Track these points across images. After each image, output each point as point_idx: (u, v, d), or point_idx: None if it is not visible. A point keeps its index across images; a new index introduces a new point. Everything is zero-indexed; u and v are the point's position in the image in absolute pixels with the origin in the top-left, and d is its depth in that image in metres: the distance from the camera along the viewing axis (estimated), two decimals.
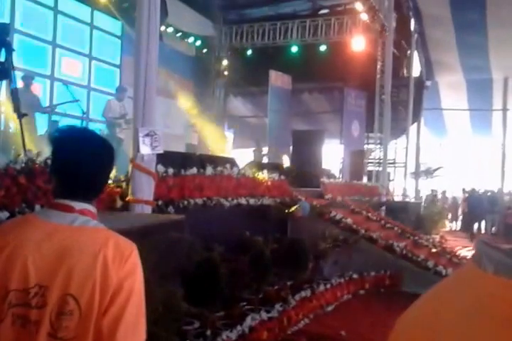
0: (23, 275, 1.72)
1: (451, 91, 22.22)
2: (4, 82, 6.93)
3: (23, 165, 4.67)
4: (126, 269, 1.77)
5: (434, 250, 10.42)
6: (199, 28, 18.96)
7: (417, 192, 21.93)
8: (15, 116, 6.96)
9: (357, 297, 9.01)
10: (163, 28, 15.73)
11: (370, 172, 19.02)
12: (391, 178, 20.23)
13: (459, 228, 23.57)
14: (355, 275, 9.21)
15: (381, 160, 18.65)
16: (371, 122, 19.14)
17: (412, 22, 20.09)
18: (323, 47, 19.44)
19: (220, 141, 16.82)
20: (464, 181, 25.94)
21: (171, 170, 6.85)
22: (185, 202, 6.91)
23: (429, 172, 23.25)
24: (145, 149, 5.97)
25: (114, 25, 15.40)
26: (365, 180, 17.00)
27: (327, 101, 22.07)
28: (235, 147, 20.46)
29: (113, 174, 6.19)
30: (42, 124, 11.31)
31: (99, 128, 12.23)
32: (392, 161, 20.47)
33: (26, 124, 7.10)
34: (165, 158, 6.72)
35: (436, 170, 23.79)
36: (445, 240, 14.11)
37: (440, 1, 17.32)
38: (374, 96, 18.94)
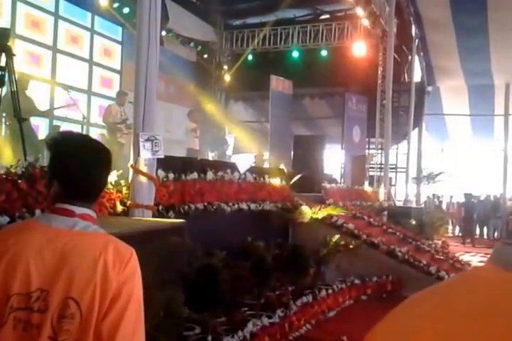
0: (25, 279, 1.73)
1: (452, 96, 22.19)
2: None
3: (24, 169, 4.65)
4: (126, 274, 1.78)
5: (436, 255, 10.40)
6: (200, 33, 18.98)
7: (419, 197, 21.88)
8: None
9: (359, 302, 8.97)
10: (164, 32, 15.74)
11: (372, 177, 18.98)
12: (393, 183, 20.19)
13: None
14: (356, 281, 9.18)
15: (382, 166, 18.62)
16: (372, 127, 19.11)
17: (413, 27, 20.09)
18: (324, 53, 19.47)
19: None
20: (465, 186, 25.87)
21: (171, 175, 6.83)
22: (186, 207, 6.89)
23: (430, 178, 23.20)
24: (146, 154, 5.96)
25: (115, 30, 15.41)
26: (366, 185, 16.96)
27: (328, 107, 22.05)
28: (235, 152, 20.41)
29: (114, 179, 6.18)
30: (41, 129, 11.33)
31: (99, 132, 12.24)
32: (393, 166, 20.42)
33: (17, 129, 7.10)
34: (166, 163, 6.71)
35: (438, 176, 23.73)
36: (447, 245, 14.09)
37: (441, 6, 17.31)
38: (375, 101, 18.93)
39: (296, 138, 15.79)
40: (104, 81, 15.01)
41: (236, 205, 8.15)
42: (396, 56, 19.01)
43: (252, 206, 8.63)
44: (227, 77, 21.01)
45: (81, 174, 1.89)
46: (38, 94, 10.65)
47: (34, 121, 9.67)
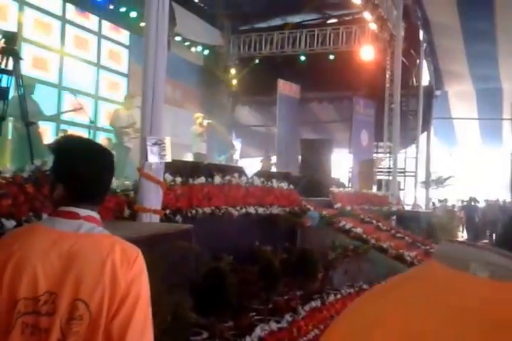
0: (32, 283, 1.72)
1: (460, 100, 22.16)
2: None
3: (30, 173, 4.64)
4: (133, 273, 1.79)
5: None
6: (207, 37, 19.00)
7: (428, 201, 21.82)
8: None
9: None
10: (171, 37, 15.76)
11: (380, 181, 18.91)
12: (401, 187, 20.12)
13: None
14: (365, 286, 9.11)
15: (391, 170, 18.54)
16: (380, 131, 19.09)
17: (421, 31, 20.06)
18: (331, 57, 19.44)
19: None
20: (473, 190, 25.80)
21: (178, 179, 6.80)
22: (194, 211, 6.85)
23: (439, 182, 23.16)
24: (153, 158, 5.93)
25: (122, 35, 15.43)
26: (374, 189, 16.90)
27: (336, 111, 22.03)
28: (242, 156, 20.42)
29: (121, 182, 6.17)
30: (48, 133, 11.33)
31: (106, 137, 12.26)
32: (402, 170, 20.36)
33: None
34: (173, 167, 6.69)
35: (447, 180, 23.68)
36: None
37: (449, 10, 17.27)
38: (383, 105, 18.92)
39: (303, 142, 15.74)
40: (111, 85, 15.03)
41: (243, 209, 8.11)
42: (404, 60, 18.97)
43: (260, 210, 8.58)
44: (235, 81, 21.02)
45: (85, 176, 1.90)
46: (44, 98, 10.66)
47: (41, 125, 9.68)
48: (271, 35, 19.71)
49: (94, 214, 1.91)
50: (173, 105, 15.85)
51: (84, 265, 1.75)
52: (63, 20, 13.24)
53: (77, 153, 1.93)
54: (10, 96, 6.91)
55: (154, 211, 5.91)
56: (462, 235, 24.05)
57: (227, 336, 5.39)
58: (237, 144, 19.87)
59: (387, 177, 19.26)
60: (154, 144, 5.96)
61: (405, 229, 12.45)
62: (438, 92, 22.20)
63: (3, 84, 6.63)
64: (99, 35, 14.57)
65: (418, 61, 21.01)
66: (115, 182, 5.78)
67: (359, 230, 9.97)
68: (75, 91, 11.02)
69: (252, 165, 17.23)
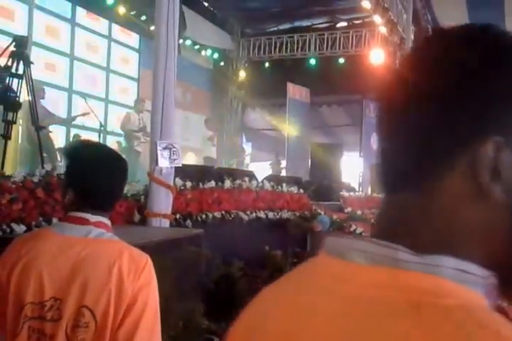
0: (39, 288, 1.72)
1: None
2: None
3: (41, 178, 4.63)
4: (141, 281, 1.76)
5: None
6: (217, 40, 19.00)
7: None
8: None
9: None
10: (181, 40, 15.77)
11: None
12: None
13: None
14: None
15: None
16: None
17: None
18: (341, 60, 19.39)
19: None
20: None
21: (189, 184, 6.77)
22: (204, 216, 6.82)
23: None
24: (163, 162, 5.91)
25: (132, 38, 15.45)
26: None
27: (346, 114, 21.94)
28: (252, 160, 20.39)
29: (131, 187, 6.15)
30: (59, 137, 11.34)
31: (116, 141, 12.26)
32: None
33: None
34: (183, 172, 6.66)
35: None
36: None
37: (459, 14, 17.21)
38: None
39: (313, 146, 15.72)
40: (122, 89, 15.04)
41: (254, 214, 8.08)
42: None
43: (270, 214, 8.56)
44: (244, 85, 21.00)
45: (96, 183, 1.88)
46: (54, 102, 10.67)
47: (51, 129, 9.68)
48: (280, 39, 19.68)
49: (105, 219, 1.90)
50: (182, 109, 15.85)
51: (91, 271, 1.73)
52: (73, 23, 13.26)
53: (88, 159, 1.91)
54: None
55: (164, 216, 5.88)
56: None
57: None
58: (248, 148, 19.86)
59: None
60: (165, 148, 5.93)
61: None
62: None
63: (12, 93, 6.58)
64: (110, 38, 14.59)
65: None
66: (126, 187, 5.76)
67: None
68: (85, 95, 11.03)
69: (262, 169, 17.20)
